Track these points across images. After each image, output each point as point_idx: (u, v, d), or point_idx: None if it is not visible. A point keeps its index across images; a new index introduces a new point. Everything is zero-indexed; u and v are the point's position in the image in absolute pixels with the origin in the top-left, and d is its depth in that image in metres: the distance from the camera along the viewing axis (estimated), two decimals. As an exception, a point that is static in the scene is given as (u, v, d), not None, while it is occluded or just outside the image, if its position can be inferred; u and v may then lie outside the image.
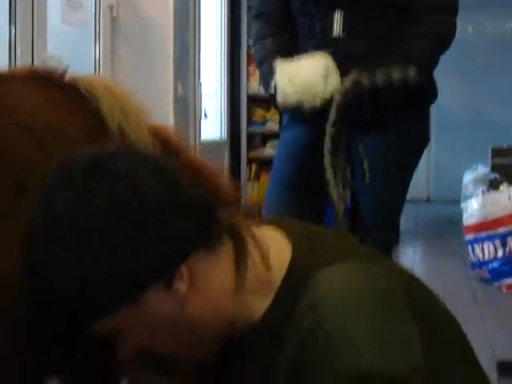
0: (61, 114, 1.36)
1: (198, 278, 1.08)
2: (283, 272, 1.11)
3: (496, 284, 4.13)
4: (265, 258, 1.11)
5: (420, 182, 6.80)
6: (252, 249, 1.12)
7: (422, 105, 2.46)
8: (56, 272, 1.05)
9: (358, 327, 1.02)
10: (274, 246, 1.13)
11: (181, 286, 1.06)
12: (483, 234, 4.18)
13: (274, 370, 1.09)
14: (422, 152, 2.53)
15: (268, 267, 1.11)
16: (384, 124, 2.36)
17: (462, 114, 7.86)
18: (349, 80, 2.27)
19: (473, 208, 4.28)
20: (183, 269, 1.06)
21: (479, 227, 4.21)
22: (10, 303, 1.21)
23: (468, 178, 5.23)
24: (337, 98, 2.28)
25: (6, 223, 1.23)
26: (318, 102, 2.28)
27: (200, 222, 1.08)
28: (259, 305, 1.12)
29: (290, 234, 1.16)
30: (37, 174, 1.26)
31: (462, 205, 4.49)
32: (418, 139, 2.48)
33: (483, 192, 4.39)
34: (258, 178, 6.04)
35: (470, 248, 4.31)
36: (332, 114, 2.29)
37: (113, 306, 1.05)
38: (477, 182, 4.97)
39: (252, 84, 5.93)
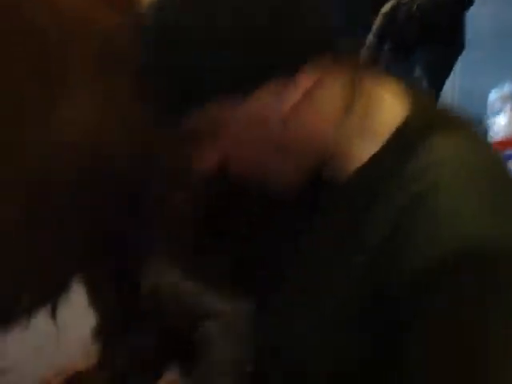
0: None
1: (313, 91, 0.99)
2: (393, 128, 1.04)
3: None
4: (377, 105, 1.05)
5: (445, 98, 6.71)
6: (365, 92, 1.05)
7: (462, 11, 2.42)
8: (183, 35, 0.96)
9: (468, 198, 0.97)
10: (389, 99, 1.06)
11: (296, 92, 0.98)
12: (509, 151, 4.13)
13: (366, 225, 1.01)
14: (457, 60, 2.51)
15: (379, 115, 1.04)
16: (430, 40, 2.34)
17: (490, 29, 7.69)
18: (388, 5, 2.29)
19: (500, 124, 4.22)
20: (305, 71, 0.98)
21: (506, 144, 4.15)
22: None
23: (495, 95, 5.15)
24: (377, 22, 2.29)
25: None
26: None
27: (332, 31, 1.02)
28: (361, 152, 1.04)
29: (405, 91, 1.08)
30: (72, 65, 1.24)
31: (489, 121, 4.43)
32: (457, 48, 2.46)
33: (511, 109, 4.32)
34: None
35: (495, 165, 4.27)
36: (369, 38, 2.30)
37: (226, 89, 0.97)
38: (504, 99, 4.89)
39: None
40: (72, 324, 1.70)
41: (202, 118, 0.99)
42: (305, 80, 0.98)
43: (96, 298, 1.68)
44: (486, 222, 0.96)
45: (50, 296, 1.52)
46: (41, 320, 1.56)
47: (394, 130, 1.04)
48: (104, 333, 1.71)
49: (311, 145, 1.04)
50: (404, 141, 1.02)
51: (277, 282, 1.15)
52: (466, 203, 0.96)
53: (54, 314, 1.56)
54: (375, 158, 1.03)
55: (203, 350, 1.43)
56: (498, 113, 4.50)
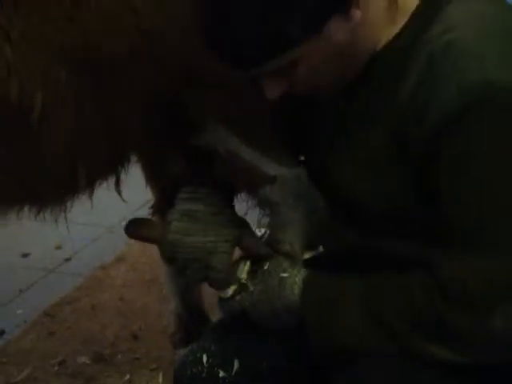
0: None
1: (364, 6, 1.17)
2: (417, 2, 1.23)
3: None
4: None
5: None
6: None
7: None
8: None
9: (490, 47, 1.13)
10: None
11: (356, 13, 1.16)
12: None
13: (398, 92, 1.19)
14: None
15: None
16: None
17: None
18: None
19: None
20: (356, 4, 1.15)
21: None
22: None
23: None
24: None
25: None
26: None
27: None
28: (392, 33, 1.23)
29: None
30: None
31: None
32: None
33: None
34: None
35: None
36: None
37: (302, 35, 1.15)
38: None
39: None
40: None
41: (286, 58, 1.17)
42: (357, 12, 1.16)
43: (151, 176, 1.70)
44: (505, 65, 1.12)
45: (106, 170, 1.54)
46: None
47: (416, 4, 1.23)
48: (158, 207, 1.75)
49: (370, 40, 1.23)
50: (426, 12, 1.21)
51: (324, 142, 1.35)
52: (487, 50, 1.13)
53: (117, 187, 1.60)
54: (401, 32, 1.22)
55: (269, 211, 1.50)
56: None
